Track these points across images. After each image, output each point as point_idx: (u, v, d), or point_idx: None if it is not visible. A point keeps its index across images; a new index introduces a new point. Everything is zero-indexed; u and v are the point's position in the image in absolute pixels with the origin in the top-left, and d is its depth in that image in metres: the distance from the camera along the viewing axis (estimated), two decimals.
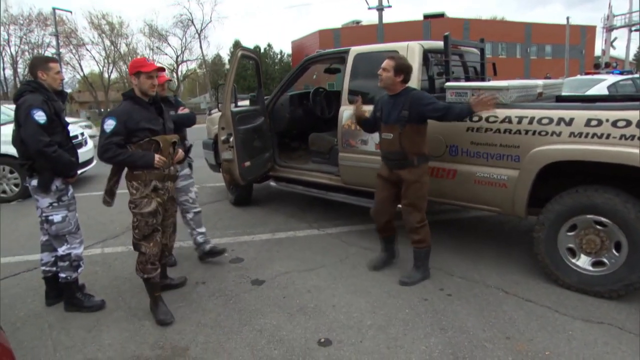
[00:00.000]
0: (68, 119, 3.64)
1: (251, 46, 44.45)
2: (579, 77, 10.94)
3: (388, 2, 21.31)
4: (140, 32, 52.53)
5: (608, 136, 2.80)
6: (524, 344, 2.53)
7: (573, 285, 3.08)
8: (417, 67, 3.78)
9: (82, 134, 7.62)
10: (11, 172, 6.46)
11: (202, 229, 3.89)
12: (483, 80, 4.64)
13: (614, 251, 2.94)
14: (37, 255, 3.28)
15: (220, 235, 4.57)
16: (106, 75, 41.51)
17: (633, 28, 27.25)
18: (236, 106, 4.54)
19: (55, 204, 2.96)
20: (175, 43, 42.39)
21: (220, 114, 4.49)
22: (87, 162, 7.44)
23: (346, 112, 4.19)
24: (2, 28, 34.14)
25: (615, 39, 26.99)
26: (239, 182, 4.54)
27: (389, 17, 38.65)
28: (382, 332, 2.72)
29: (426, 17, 41.30)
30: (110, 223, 5.17)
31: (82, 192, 6.89)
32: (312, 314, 2.96)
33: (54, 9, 31.65)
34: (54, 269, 3.17)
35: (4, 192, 6.47)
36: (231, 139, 4.28)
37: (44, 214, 2.98)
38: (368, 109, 3.57)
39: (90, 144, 7.80)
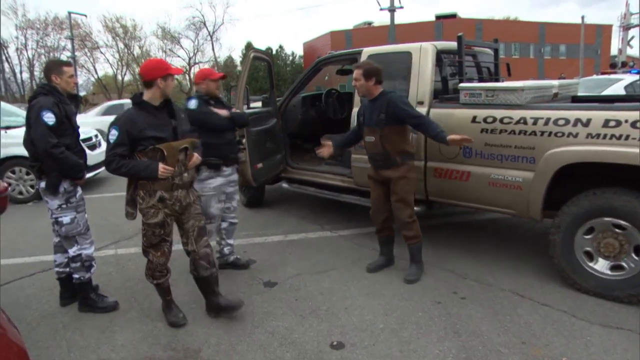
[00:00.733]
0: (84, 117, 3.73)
1: (263, 48, 44.71)
2: (594, 77, 10.77)
3: (400, 3, 21.25)
4: (153, 34, 53.01)
5: (627, 137, 2.74)
6: (540, 349, 2.49)
7: (590, 290, 3.02)
8: (430, 68, 3.75)
9: (97, 135, 7.70)
10: (27, 173, 6.56)
11: (232, 241, 3.85)
12: (497, 80, 4.58)
13: (633, 255, 2.88)
14: (52, 256, 3.31)
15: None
16: (120, 77, 42.06)
17: None
18: (248, 108, 4.55)
19: (64, 206, 2.99)
20: (188, 45, 42.80)
21: None
22: (101, 164, 7.51)
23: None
24: (19, 32, 34.84)
25: (633, 37, 26.45)
26: (251, 184, 4.55)
27: (401, 18, 38.59)
28: (395, 335, 2.69)
29: (438, 17, 41.06)
30: (123, 224, 5.19)
31: (95, 193, 6.99)
32: (324, 317, 2.95)
33: (69, 12, 32.22)
34: (68, 269, 3.20)
35: (20, 193, 6.57)
36: (243, 141, 4.29)
37: (53, 216, 3.02)
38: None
39: (104, 145, 7.87)
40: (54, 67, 3.04)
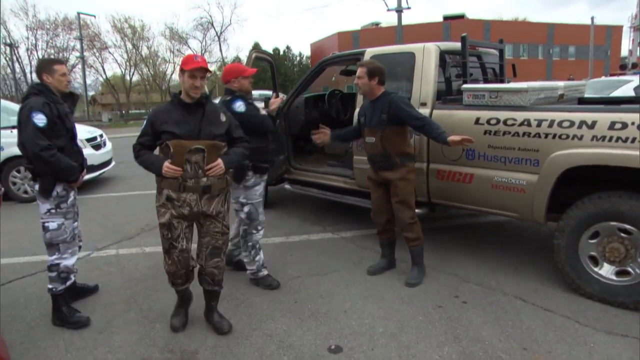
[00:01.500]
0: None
1: (270, 48, 44.78)
2: (603, 78, 10.64)
3: (407, 3, 21.18)
4: (162, 35, 53.28)
5: (634, 140, 2.68)
6: (542, 355, 2.43)
7: (595, 295, 2.96)
8: (433, 69, 3.71)
9: (102, 135, 7.73)
10: None
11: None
12: (502, 82, 4.53)
13: (639, 260, 2.82)
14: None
15: None
16: (128, 77, 42.34)
17: None
18: None
19: (53, 211, 2.89)
20: (196, 46, 42.85)
21: None
22: (106, 164, 7.56)
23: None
24: (30, 33, 35.17)
25: None
26: None
27: (409, 18, 38.46)
28: (394, 339, 2.65)
29: (446, 18, 40.89)
30: (126, 224, 5.22)
31: (100, 193, 7.02)
32: (323, 320, 2.91)
33: (78, 13, 32.51)
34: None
35: (25, 192, 6.61)
36: None
37: (41, 220, 2.92)
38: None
39: (109, 145, 7.91)
40: (44, 65, 2.94)
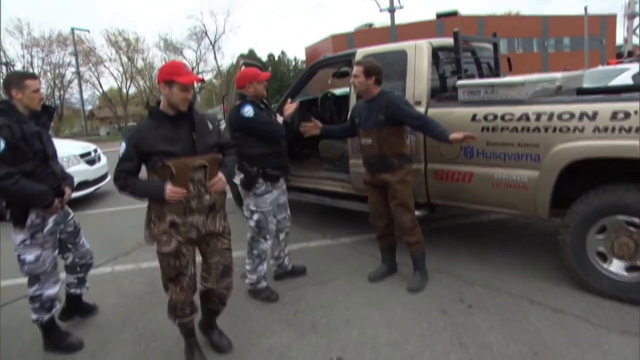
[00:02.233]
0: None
1: (265, 54, 44.76)
2: (600, 67, 10.53)
3: (400, 3, 21.13)
4: (156, 46, 53.43)
5: (637, 130, 2.57)
6: None
7: (605, 292, 2.85)
8: (426, 66, 3.61)
9: (96, 150, 7.64)
10: None
11: (287, 251, 3.69)
12: (497, 76, 4.42)
13: None
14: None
15: None
16: (124, 90, 42.36)
17: None
18: None
19: (28, 242, 2.63)
20: (190, 55, 42.97)
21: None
22: (101, 179, 7.46)
23: None
24: (25, 50, 35.19)
25: (638, 26, 26.08)
26: None
27: (402, 18, 38.42)
28: (398, 349, 2.54)
29: (439, 16, 40.80)
30: (122, 239, 5.13)
31: (95, 208, 6.92)
32: (324, 331, 2.81)
33: (72, 29, 32.55)
34: (78, 290, 3.13)
35: None
36: None
37: (15, 252, 2.66)
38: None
39: (104, 159, 7.83)
40: (14, 80, 2.61)
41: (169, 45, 41.37)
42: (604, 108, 2.71)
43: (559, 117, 2.86)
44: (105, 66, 40.08)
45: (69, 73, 36.70)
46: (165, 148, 2.25)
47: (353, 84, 3.29)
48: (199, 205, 2.35)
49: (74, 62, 34.26)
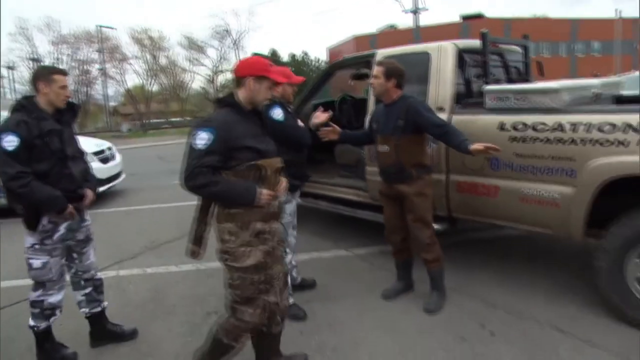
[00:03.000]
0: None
1: (286, 54, 44.73)
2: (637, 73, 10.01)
3: (424, 4, 20.76)
4: (179, 44, 53.96)
5: None
6: None
7: None
8: (450, 70, 3.37)
9: (110, 147, 7.60)
10: None
11: (294, 262, 3.39)
12: (527, 81, 4.13)
13: None
14: None
15: None
16: (148, 87, 42.92)
17: None
18: None
19: (37, 246, 2.52)
20: (213, 54, 43.18)
21: None
22: (115, 177, 7.41)
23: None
24: (54, 47, 36.03)
25: None
26: None
27: (426, 20, 37.91)
28: None
29: (464, 18, 40.09)
30: (130, 241, 5.01)
31: (107, 207, 6.84)
32: (331, 355, 2.60)
33: (99, 26, 33.14)
34: (87, 309, 2.86)
35: None
36: None
37: (25, 255, 2.56)
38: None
39: (119, 158, 7.77)
40: (43, 73, 2.51)
41: (192, 44, 41.74)
42: None
43: (599, 128, 2.58)
44: (129, 63, 40.75)
45: (94, 70, 37.46)
46: (255, 145, 2.02)
47: (372, 85, 3.10)
48: (276, 210, 2.15)
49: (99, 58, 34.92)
